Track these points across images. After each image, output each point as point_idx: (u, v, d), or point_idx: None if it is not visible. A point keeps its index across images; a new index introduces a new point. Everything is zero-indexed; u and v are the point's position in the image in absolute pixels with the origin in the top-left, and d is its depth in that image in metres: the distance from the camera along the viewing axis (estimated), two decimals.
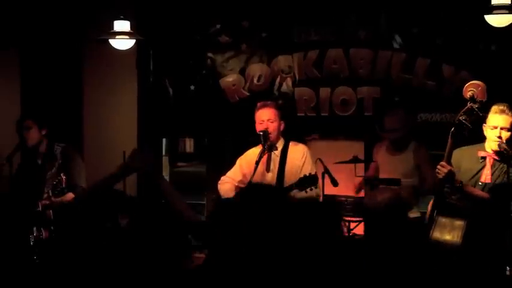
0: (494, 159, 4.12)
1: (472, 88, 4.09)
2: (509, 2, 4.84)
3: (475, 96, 4.05)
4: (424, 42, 5.85)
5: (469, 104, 4.03)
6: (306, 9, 6.06)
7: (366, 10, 5.96)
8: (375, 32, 5.99)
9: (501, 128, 4.05)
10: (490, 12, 4.92)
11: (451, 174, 4.01)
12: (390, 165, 5.28)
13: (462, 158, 4.17)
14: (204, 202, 6.46)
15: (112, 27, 5.54)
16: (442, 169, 4.02)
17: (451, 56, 5.75)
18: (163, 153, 7.05)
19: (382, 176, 5.29)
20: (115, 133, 6.54)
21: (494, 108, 4.08)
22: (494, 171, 4.13)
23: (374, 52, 5.97)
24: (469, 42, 5.69)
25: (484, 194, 4.08)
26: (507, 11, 4.87)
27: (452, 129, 4.02)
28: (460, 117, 3.99)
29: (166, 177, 7.03)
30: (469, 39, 5.68)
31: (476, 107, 4.00)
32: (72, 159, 5.29)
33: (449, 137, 4.07)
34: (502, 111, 4.04)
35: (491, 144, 4.10)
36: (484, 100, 4.06)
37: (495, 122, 4.05)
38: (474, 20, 5.26)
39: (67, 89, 6.57)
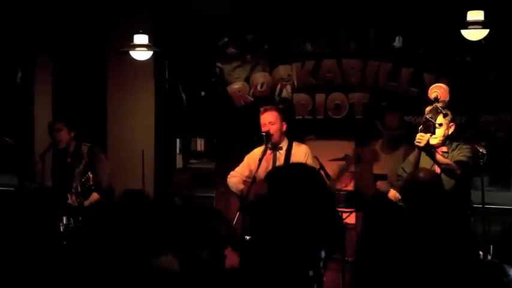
0: (442, 152, 4.16)
1: (436, 90, 4.10)
2: (483, 19, 4.88)
3: (439, 97, 4.06)
4: (408, 53, 5.85)
5: (434, 104, 4.03)
6: (303, 24, 6.06)
7: (356, 25, 5.96)
8: (364, 44, 5.99)
9: None
10: (465, 27, 4.96)
11: (428, 143, 4.01)
12: (383, 162, 5.25)
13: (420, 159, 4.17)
14: (213, 194, 6.48)
15: (132, 40, 5.58)
16: (422, 138, 4.00)
17: (431, 66, 5.74)
18: (178, 151, 7.07)
19: (375, 171, 5.27)
20: (135, 134, 6.54)
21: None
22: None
23: (363, 62, 5.95)
24: (448, 53, 5.70)
25: (450, 161, 4.09)
26: (480, 27, 4.91)
27: (421, 126, 4.03)
28: (427, 116, 4.00)
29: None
30: (448, 51, 5.69)
31: (440, 106, 4.01)
32: (97, 158, 5.30)
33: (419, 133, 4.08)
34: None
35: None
36: (446, 100, 4.07)
37: None
38: (452, 34, 5.31)
39: (93, 95, 6.59)
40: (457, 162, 4.08)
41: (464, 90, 5.50)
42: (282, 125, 4.77)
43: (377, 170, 5.26)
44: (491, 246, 4.84)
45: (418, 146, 4.04)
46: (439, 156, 4.09)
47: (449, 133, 4.20)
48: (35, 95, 6.75)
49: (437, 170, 4.14)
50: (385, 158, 5.27)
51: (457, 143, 4.24)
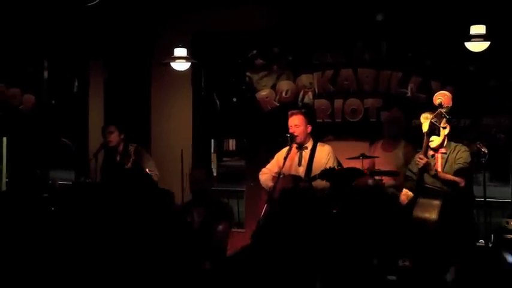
0: (442, 153, 4.17)
1: (440, 97, 4.11)
2: (484, 32, 4.91)
3: (443, 103, 4.07)
4: (417, 63, 5.86)
5: (438, 109, 4.05)
6: (323, 38, 6.11)
7: (370, 38, 5.99)
8: (377, 55, 6.01)
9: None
10: (469, 40, 5.00)
11: (427, 164, 4.05)
12: (384, 159, 5.27)
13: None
14: (244, 189, 6.57)
15: (173, 53, 5.70)
16: (421, 160, 4.05)
17: (438, 74, 5.76)
18: (212, 150, 7.15)
19: (377, 168, 5.22)
20: (175, 135, 6.61)
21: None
22: (445, 162, 4.18)
23: (377, 71, 5.99)
24: (453, 63, 5.71)
25: (455, 178, 4.10)
26: (482, 39, 4.94)
27: (427, 129, 4.07)
28: (432, 120, 4.02)
29: (214, 169, 7.10)
30: (453, 61, 5.70)
31: (444, 111, 4.02)
32: (144, 157, 5.44)
33: (425, 135, 4.12)
34: (426, 118, 4.12)
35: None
36: (450, 106, 4.07)
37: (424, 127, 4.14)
38: (456, 46, 5.30)
39: (139, 101, 6.70)
40: (459, 171, 4.09)
41: (467, 96, 5.53)
42: (307, 128, 4.83)
43: (380, 166, 5.25)
44: (492, 235, 4.88)
45: (417, 166, 4.05)
46: (443, 175, 4.11)
47: (446, 133, 4.23)
48: (89, 101, 6.89)
49: (438, 167, 4.17)
50: (386, 156, 5.28)
51: (455, 144, 4.24)
